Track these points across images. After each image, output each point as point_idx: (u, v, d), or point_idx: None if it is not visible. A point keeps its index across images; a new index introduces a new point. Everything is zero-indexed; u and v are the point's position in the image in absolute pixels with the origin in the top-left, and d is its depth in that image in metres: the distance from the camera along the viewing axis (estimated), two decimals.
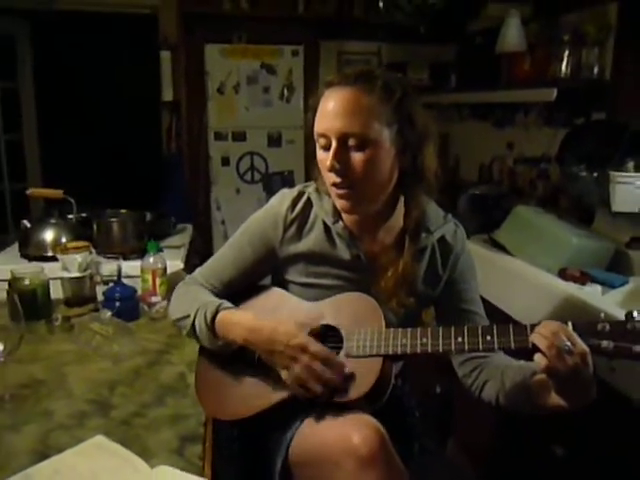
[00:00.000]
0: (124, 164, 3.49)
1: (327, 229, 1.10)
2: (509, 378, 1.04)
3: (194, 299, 1.13)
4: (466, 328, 0.93)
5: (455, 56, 3.27)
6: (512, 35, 2.20)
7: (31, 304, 1.56)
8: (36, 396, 1.15)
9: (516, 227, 1.87)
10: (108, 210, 2.02)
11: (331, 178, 1.01)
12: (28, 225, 1.89)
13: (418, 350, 0.94)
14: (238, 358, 1.07)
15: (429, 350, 0.94)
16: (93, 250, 1.75)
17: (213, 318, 1.06)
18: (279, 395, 1.01)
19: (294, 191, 1.14)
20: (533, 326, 0.89)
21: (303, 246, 1.11)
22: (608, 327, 0.85)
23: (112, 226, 1.90)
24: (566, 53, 2.16)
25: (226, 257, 1.17)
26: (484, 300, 1.39)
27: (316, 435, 0.96)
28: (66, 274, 1.67)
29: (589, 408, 0.90)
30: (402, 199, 1.10)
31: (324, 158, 1.00)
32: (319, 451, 0.94)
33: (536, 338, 0.85)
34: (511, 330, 0.89)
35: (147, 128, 3.50)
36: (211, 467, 0.97)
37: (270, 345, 1.00)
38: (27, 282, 1.54)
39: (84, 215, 2.01)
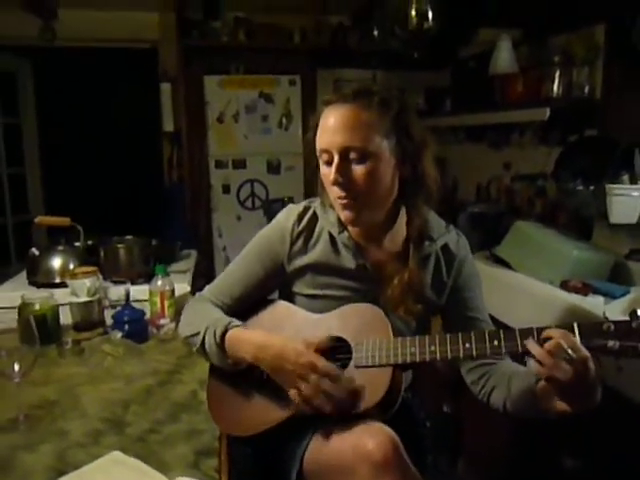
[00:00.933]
0: (127, 194, 3.54)
1: (333, 240, 1.13)
2: (515, 385, 1.05)
3: (204, 317, 1.14)
4: (473, 334, 0.95)
5: (449, 81, 3.36)
6: (504, 57, 2.27)
7: (41, 329, 1.56)
8: (50, 417, 1.16)
9: (517, 242, 1.91)
10: (115, 237, 2.05)
11: (335, 192, 1.04)
12: (36, 253, 1.91)
13: (427, 358, 0.96)
14: (248, 375, 1.08)
15: (438, 357, 0.95)
16: (100, 276, 1.77)
17: (222, 336, 1.07)
18: (290, 410, 1.01)
19: (300, 206, 1.17)
20: (540, 330, 0.91)
21: (309, 258, 1.13)
22: (613, 327, 0.87)
23: (119, 252, 1.92)
24: (557, 73, 2.24)
25: (235, 274, 1.19)
26: (489, 315, 1.41)
27: (329, 445, 0.96)
28: (75, 299, 1.69)
29: (596, 412, 0.91)
30: (404, 208, 1.13)
31: (327, 173, 1.04)
32: (333, 460, 0.94)
33: (538, 351, 0.86)
34: (517, 334, 0.91)
35: (148, 158, 3.56)
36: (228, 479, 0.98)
37: (278, 363, 1.01)
38: (37, 307, 1.56)
39: (91, 243, 2.04)
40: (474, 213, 2.39)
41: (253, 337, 1.07)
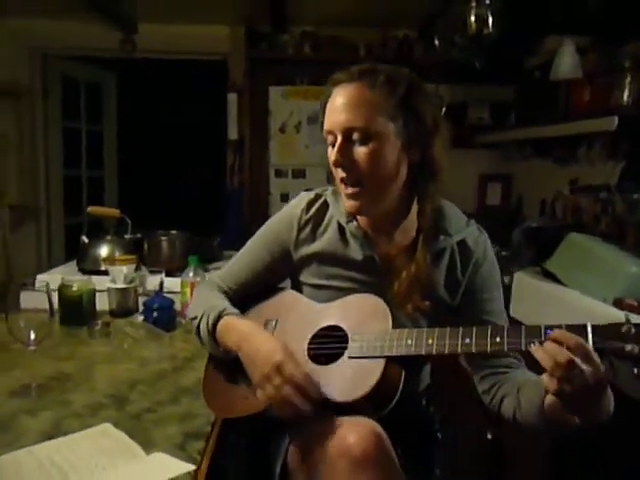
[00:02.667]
0: (192, 196, 3.70)
1: (341, 229, 1.09)
2: (525, 395, 0.96)
3: (204, 302, 1.13)
4: (475, 329, 0.87)
5: (514, 93, 3.23)
6: (566, 62, 2.14)
7: (76, 310, 1.64)
8: (60, 388, 1.19)
9: (569, 255, 1.76)
10: (160, 231, 2.12)
11: (338, 173, 1.01)
12: (86, 241, 2.01)
13: (423, 351, 0.89)
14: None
15: (434, 351, 0.88)
16: (143, 267, 1.83)
17: (215, 323, 1.06)
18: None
19: (311, 193, 1.15)
20: (548, 327, 0.81)
21: (316, 246, 1.10)
22: (634, 330, 0.77)
23: (161, 244, 1.98)
24: (627, 80, 2.07)
25: (243, 259, 1.18)
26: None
27: (312, 438, 0.91)
28: (112, 285, 1.75)
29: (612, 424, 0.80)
30: (417, 199, 1.07)
31: (331, 155, 1.01)
32: (314, 453, 0.89)
33: (545, 360, 0.77)
34: (523, 331, 0.82)
35: (214, 164, 3.68)
36: (210, 464, 0.95)
37: (253, 357, 0.98)
38: (74, 288, 1.63)
39: (138, 236, 2.12)
40: (530, 228, 2.24)
41: (241, 327, 1.04)
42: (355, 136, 0.97)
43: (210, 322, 1.06)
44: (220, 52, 3.60)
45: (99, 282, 1.76)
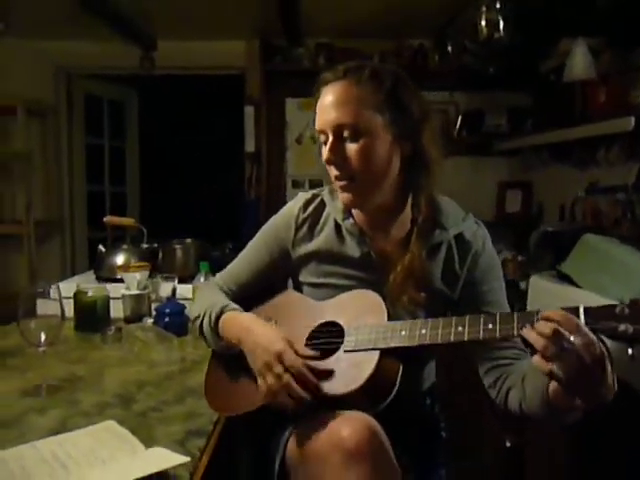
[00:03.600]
0: (212, 209, 3.75)
1: (338, 227, 1.10)
2: (529, 383, 0.94)
3: (206, 301, 1.15)
4: (467, 317, 0.86)
5: (531, 99, 3.20)
6: (579, 62, 2.12)
7: (91, 316, 1.68)
8: (71, 389, 1.21)
9: (584, 257, 1.73)
10: (175, 239, 2.15)
11: (331, 172, 1.02)
12: (103, 250, 2.06)
13: (416, 342, 0.89)
14: (244, 358, 1.07)
15: (427, 341, 0.88)
16: (157, 275, 1.85)
17: (217, 318, 1.07)
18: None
19: (309, 193, 1.16)
20: (541, 312, 0.80)
21: (314, 245, 1.11)
22: (627, 310, 0.75)
23: (175, 251, 2.01)
24: None
25: (243, 260, 1.19)
26: None
27: (308, 433, 0.91)
28: (126, 292, 1.78)
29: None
30: (411, 194, 1.07)
31: (323, 154, 1.02)
32: (310, 448, 0.89)
33: (536, 340, 0.76)
34: (515, 317, 0.81)
35: (232, 176, 3.73)
36: (211, 461, 0.95)
37: (254, 348, 0.99)
38: (89, 294, 1.67)
39: (154, 245, 2.15)
40: (547, 232, 2.20)
41: (242, 320, 1.06)
42: (346, 133, 0.98)
43: (213, 317, 1.08)
44: (237, 66, 3.67)
45: (115, 290, 1.79)
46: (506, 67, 2.70)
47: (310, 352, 0.97)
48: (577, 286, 1.70)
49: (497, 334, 0.83)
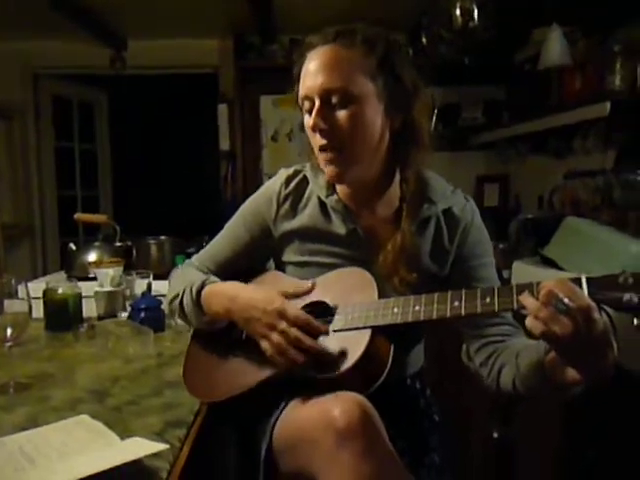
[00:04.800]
0: (189, 210, 3.68)
1: (322, 204, 1.05)
2: (524, 359, 0.90)
3: (184, 280, 1.10)
4: (464, 292, 0.82)
5: (507, 91, 3.21)
6: (554, 48, 2.12)
7: (62, 315, 1.59)
8: (40, 385, 1.14)
9: (567, 239, 1.72)
10: (149, 236, 2.08)
11: (317, 141, 0.96)
12: (74, 248, 1.98)
13: (410, 318, 0.84)
14: (226, 338, 1.01)
15: (422, 317, 0.83)
16: (132, 273, 1.78)
17: (199, 292, 1.02)
18: (264, 373, 0.93)
19: (290, 169, 1.11)
20: (540, 284, 0.77)
21: (297, 222, 1.06)
22: (631, 279, 0.72)
23: (149, 247, 1.94)
24: (618, 65, 2.04)
25: (221, 239, 1.14)
26: None
27: (297, 416, 0.86)
28: (99, 288, 1.70)
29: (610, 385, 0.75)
30: (399, 169, 1.03)
31: (309, 121, 0.96)
32: (299, 431, 0.84)
33: (529, 304, 0.73)
34: (514, 290, 0.78)
35: (207, 176, 3.67)
36: (193, 451, 0.89)
37: (248, 312, 0.94)
38: (60, 291, 1.59)
39: (128, 243, 2.08)
40: (527, 219, 2.20)
41: (226, 289, 1.01)
42: (334, 99, 0.93)
43: (194, 292, 1.03)
44: (210, 64, 3.61)
45: (88, 288, 1.71)
46: (481, 58, 2.69)
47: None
48: (561, 269, 1.69)
49: (496, 307, 0.79)
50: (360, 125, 0.93)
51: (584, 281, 0.75)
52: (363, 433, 0.76)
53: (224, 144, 3.53)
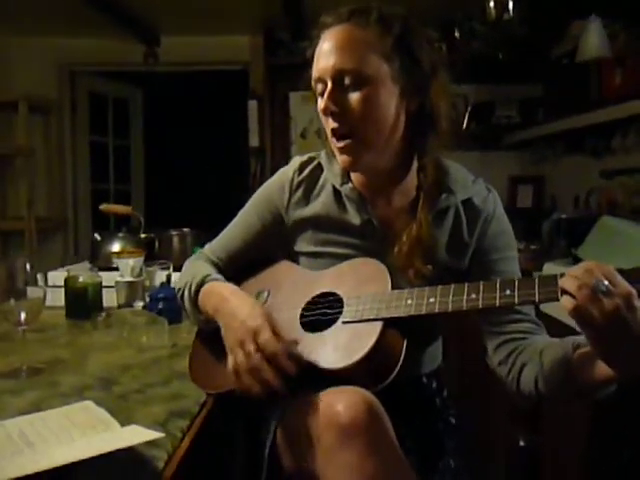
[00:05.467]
0: (218, 206, 3.68)
1: (336, 193, 1.01)
2: (548, 356, 0.84)
3: (189, 273, 1.07)
4: (482, 283, 0.77)
5: (543, 89, 3.10)
6: (593, 40, 2.02)
7: (82, 303, 1.60)
8: (51, 370, 1.14)
9: (601, 239, 1.63)
10: (172, 229, 2.09)
11: (329, 124, 0.92)
12: (98, 238, 1.99)
13: (424, 311, 0.79)
14: None
15: (436, 309, 0.78)
16: (154, 264, 1.79)
17: (198, 289, 1.00)
18: None
19: (304, 156, 1.08)
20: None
21: (310, 210, 1.02)
22: None
23: (172, 239, 1.94)
24: None
25: (234, 228, 1.12)
26: (563, 324, 1.18)
27: (299, 411, 0.82)
28: (120, 279, 1.71)
29: None
30: (416, 157, 0.98)
31: (320, 104, 0.92)
32: (302, 427, 0.80)
33: (565, 281, 0.69)
34: (537, 282, 0.72)
35: (237, 172, 3.67)
36: (195, 443, 0.87)
37: (229, 319, 0.91)
38: (80, 280, 1.60)
39: (151, 235, 2.08)
40: (560, 219, 2.10)
41: (222, 290, 0.98)
42: (347, 80, 0.89)
43: (193, 288, 1.00)
44: (241, 61, 3.62)
45: (110, 278, 1.72)
46: (516, 53, 2.60)
47: (295, 335, 0.88)
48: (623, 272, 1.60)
49: (516, 300, 0.74)
50: (373, 108, 0.89)
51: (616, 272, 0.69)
52: (367, 430, 0.72)
53: (254, 140, 3.53)
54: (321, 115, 0.95)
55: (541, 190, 3.47)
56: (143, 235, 2.05)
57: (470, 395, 2.05)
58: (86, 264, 2.03)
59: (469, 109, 3.43)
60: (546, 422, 1.83)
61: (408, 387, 0.99)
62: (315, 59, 0.94)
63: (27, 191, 3.32)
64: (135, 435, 0.74)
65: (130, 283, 1.70)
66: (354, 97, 0.89)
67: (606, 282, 0.66)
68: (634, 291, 0.66)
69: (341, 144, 0.92)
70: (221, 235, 1.14)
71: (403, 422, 0.89)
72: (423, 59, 0.91)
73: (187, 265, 1.15)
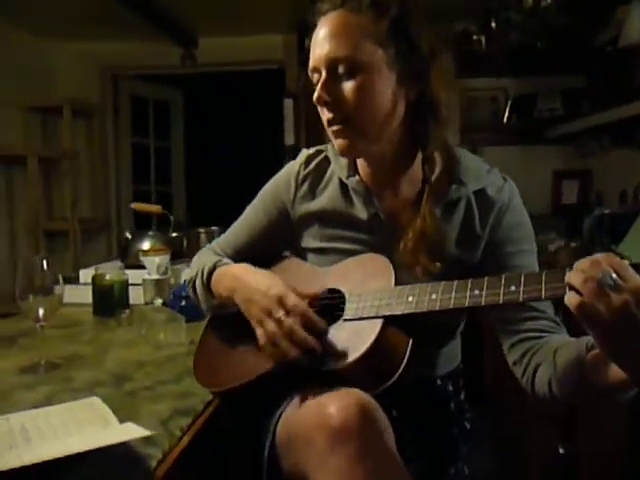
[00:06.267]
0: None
1: (343, 186, 0.98)
2: (562, 357, 0.78)
3: (200, 263, 1.07)
4: (486, 279, 0.72)
5: (586, 79, 2.95)
6: (637, 24, 1.89)
7: (108, 300, 1.63)
8: (69, 366, 1.16)
9: None
10: (201, 227, 2.10)
11: (324, 114, 0.89)
12: (129, 237, 2.03)
13: (425, 308, 0.75)
14: (236, 328, 0.97)
15: (438, 307, 0.74)
16: (181, 262, 1.81)
17: (210, 275, 0.99)
18: (265, 366, 0.86)
19: (312, 149, 1.05)
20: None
21: (316, 205, 0.99)
22: None
23: (199, 237, 1.96)
24: None
25: (241, 224, 1.10)
26: None
27: (295, 412, 0.80)
28: (147, 276, 1.73)
29: None
30: (421, 147, 0.94)
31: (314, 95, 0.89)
32: (297, 428, 0.77)
33: (571, 275, 0.63)
34: (544, 277, 0.67)
35: (274, 171, 3.68)
36: (196, 442, 0.86)
37: (249, 293, 0.89)
38: (107, 277, 1.63)
39: (180, 234, 2.11)
40: (603, 215, 1.99)
41: (235, 270, 0.97)
42: (341, 69, 0.86)
43: (205, 274, 1.00)
44: (276, 60, 3.63)
45: (138, 276, 1.75)
46: (556, 41, 2.48)
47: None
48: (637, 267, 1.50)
49: (520, 297, 0.68)
50: (368, 96, 0.85)
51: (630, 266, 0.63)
52: (359, 434, 0.68)
53: (289, 139, 3.53)
54: (318, 106, 0.92)
55: (587, 185, 3.31)
56: (175, 234, 2.08)
57: (510, 398, 1.97)
58: (118, 262, 2.07)
59: (509, 103, 3.31)
60: (582, 428, 1.74)
61: (419, 389, 0.95)
62: (311, 49, 0.91)
63: (71, 193, 3.43)
64: (126, 433, 0.74)
65: (156, 281, 1.71)
66: (348, 86, 0.86)
67: (614, 275, 0.60)
68: None
69: (335, 128, 0.89)
70: (229, 231, 1.13)
71: (412, 426, 0.85)
72: (421, 44, 0.87)
73: (195, 259, 1.15)
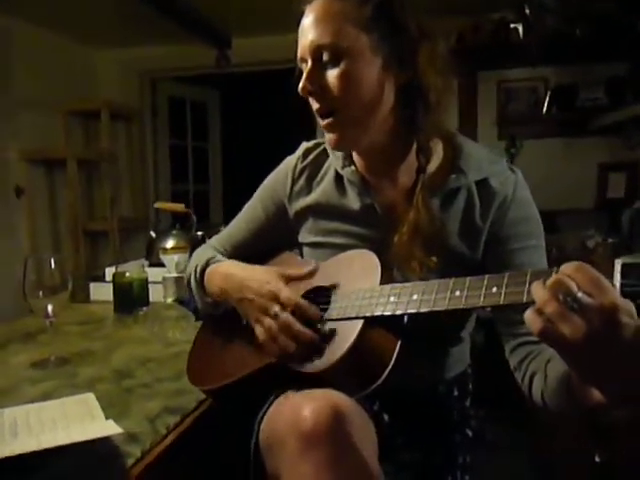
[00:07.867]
0: None
1: (338, 178, 0.95)
2: (552, 369, 0.73)
3: (196, 260, 1.06)
4: (469, 279, 0.67)
5: (631, 65, 2.78)
6: None
7: (128, 297, 1.66)
8: (77, 362, 1.18)
9: None
10: (223, 225, 2.11)
11: (312, 105, 0.87)
12: (154, 235, 2.06)
13: (405, 309, 0.71)
14: (229, 326, 0.95)
15: (420, 309, 0.69)
16: None
17: (202, 272, 0.98)
18: (254, 364, 0.85)
19: (311, 142, 1.03)
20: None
21: (311, 198, 0.97)
22: None
23: None
24: None
25: (240, 219, 1.09)
26: None
27: (273, 414, 0.78)
28: (167, 274, 1.75)
29: None
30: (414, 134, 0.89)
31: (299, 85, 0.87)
32: (271, 432, 0.75)
33: (536, 291, 0.56)
34: (528, 278, 0.61)
35: None
36: (184, 440, 0.85)
37: (241, 292, 0.88)
38: (127, 274, 1.65)
39: (202, 232, 2.13)
40: None
41: (224, 268, 0.96)
42: (325, 57, 0.83)
43: (198, 272, 1.00)
44: None
45: (160, 274, 1.77)
46: (596, 28, 2.34)
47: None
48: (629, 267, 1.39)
49: (501, 299, 0.62)
50: (352, 83, 0.82)
51: (617, 269, 0.57)
52: (329, 439, 0.65)
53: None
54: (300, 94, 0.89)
55: (635, 178, 3.12)
56: (200, 233, 2.10)
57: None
58: (142, 260, 2.11)
59: (549, 93, 3.17)
60: (624, 434, 1.63)
61: (418, 394, 0.91)
62: (299, 39, 0.88)
63: (111, 193, 3.53)
64: (99, 431, 0.74)
65: (176, 279, 1.73)
66: (332, 74, 0.83)
67: (579, 294, 0.52)
68: (621, 303, 0.52)
69: (324, 122, 0.86)
70: (229, 226, 1.12)
71: (406, 431, 0.81)
72: (408, 25, 0.83)
73: (193, 255, 1.15)
